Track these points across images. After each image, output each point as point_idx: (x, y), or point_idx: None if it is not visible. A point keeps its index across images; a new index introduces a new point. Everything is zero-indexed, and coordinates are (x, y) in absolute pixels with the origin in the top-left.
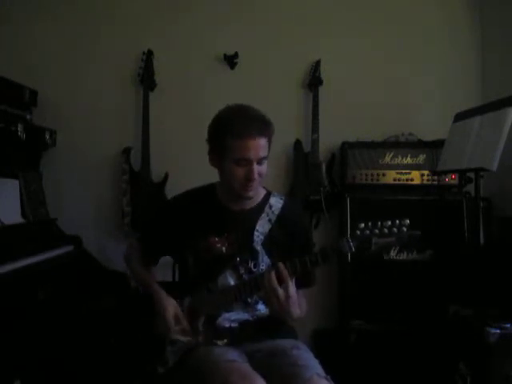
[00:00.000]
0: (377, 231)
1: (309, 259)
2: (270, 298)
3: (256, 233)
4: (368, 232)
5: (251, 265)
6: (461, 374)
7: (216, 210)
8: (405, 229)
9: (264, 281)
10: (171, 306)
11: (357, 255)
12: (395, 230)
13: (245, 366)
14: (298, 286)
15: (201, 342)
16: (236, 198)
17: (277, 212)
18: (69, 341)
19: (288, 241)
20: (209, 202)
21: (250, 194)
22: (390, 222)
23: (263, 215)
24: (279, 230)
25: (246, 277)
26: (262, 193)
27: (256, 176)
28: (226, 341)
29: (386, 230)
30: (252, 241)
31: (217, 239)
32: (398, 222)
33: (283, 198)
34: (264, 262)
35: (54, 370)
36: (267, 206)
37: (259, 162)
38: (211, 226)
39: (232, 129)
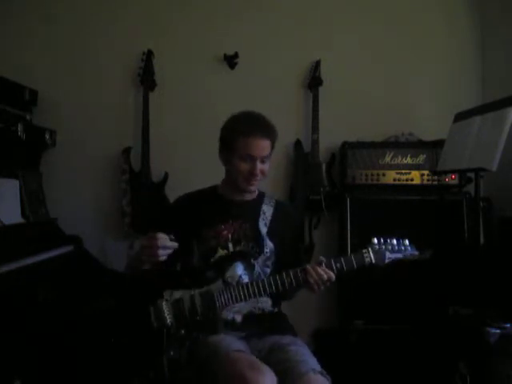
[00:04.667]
0: (389, 247)
1: (335, 264)
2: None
3: (262, 215)
4: (383, 247)
5: (256, 250)
6: (461, 374)
7: (219, 202)
8: (408, 248)
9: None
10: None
11: (371, 268)
12: (402, 247)
13: (253, 357)
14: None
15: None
16: (238, 192)
17: (274, 201)
18: (68, 341)
19: (285, 229)
20: (212, 197)
21: (252, 188)
22: (395, 240)
23: (265, 200)
24: (278, 216)
25: (256, 265)
26: (257, 191)
27: (258, 172)
28: (229, 331)
29: (395, 247)
30: (258, 224)
31: (223, 226)
32: (401, 240)
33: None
34: (267, 245)
35: (54, 369)
36: (266, 197)
37: (262, 161)
38: (216, 215)
39: (241, 129)
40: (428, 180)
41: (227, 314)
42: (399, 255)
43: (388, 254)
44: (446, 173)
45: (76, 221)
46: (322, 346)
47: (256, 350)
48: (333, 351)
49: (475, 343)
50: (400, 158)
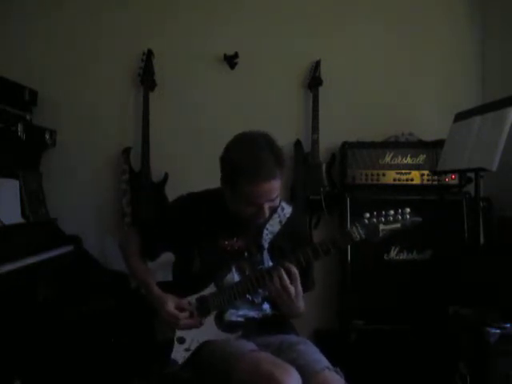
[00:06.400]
0: (382, 219)
1: (320, 248)
2: (280, 295)
3: (265, 231)
4: (374, 220)
5: (258, 268)
6: (461, 374)
7: (226, 215)
8: (407, 216)
9: (274, 279)
10: (170, 299)
11: (365, 242)
12: (399, 217)
13: (272, 356)
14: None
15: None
16: None
17: (287, 215)
18: (69, 341)
19: (290, 248)
20: (218, 206)
21: (261, 222)
22: (392, 211)
23: (275, 215)
24: (285, 234)
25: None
26: None
27: (267, 213)
28: (236, 334)
29: (390, 218)
30: (261, 238)
31: (226, 243)
32: (400, 210)
33: (291, 205)
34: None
35: (54, 369)
36: (280, 208)
37: (271, 200)
38: (221, 229)
39: (245, 173)
40: (428, 180)
41: (230, 317)
42: (396, 225)
43: (382, 227)
44: (446, 173)
45: (76, 221)
46: (321, 346)
47: (262, 347)
48: (333, 351)
49: (475, 343)
50: (400, 158)
